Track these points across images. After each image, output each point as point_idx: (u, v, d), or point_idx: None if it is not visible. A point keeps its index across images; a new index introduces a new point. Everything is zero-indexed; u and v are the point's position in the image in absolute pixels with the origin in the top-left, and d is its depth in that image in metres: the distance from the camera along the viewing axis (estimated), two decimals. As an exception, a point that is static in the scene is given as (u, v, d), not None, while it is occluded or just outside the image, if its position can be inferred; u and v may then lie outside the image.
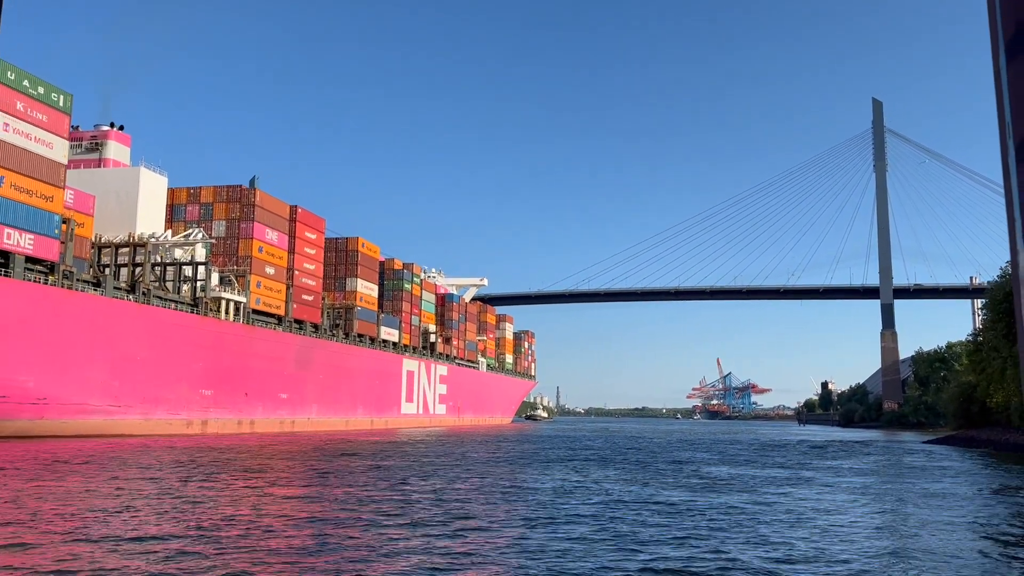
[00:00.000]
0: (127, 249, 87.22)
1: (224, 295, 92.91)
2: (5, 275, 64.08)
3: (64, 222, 70.74)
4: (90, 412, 72.74)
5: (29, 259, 67.18)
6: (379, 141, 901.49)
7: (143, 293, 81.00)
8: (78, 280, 72.72)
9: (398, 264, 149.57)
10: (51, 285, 68.98)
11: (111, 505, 28.28)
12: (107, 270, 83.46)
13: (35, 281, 67.54)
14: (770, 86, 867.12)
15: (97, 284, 76.01)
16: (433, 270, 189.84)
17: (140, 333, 78.59)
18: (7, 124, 64.02)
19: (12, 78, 65.17)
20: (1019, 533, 27.26)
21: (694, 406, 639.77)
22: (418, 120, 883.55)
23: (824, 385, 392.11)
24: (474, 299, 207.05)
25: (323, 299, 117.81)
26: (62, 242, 70.47)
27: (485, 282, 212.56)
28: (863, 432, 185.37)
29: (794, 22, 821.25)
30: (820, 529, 26.89)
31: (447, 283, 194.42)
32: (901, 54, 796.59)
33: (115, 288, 77.76)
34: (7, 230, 64.04)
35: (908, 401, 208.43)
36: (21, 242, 65.12)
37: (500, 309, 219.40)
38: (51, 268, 69.93)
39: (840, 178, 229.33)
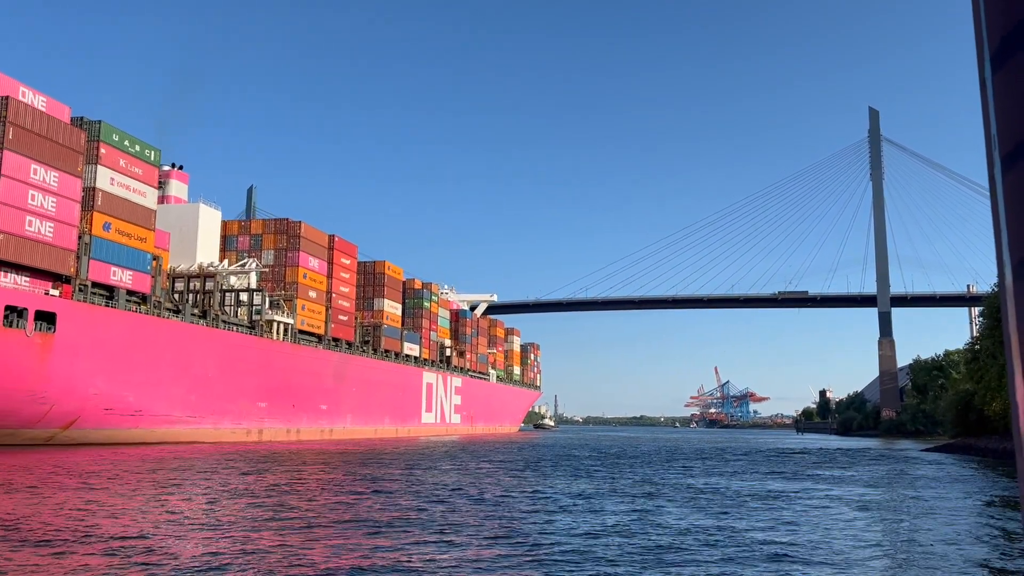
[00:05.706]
0: (195, 277, 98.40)
1: (275, 317, 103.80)
2: (112, 306, 75.03)
3: (154, 259, 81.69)
4: (173, 422, 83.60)
5: (128, 292, 78.27)
6: (386, 157, 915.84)
7: (212, 318, 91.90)
8: (164, 308, 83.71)
9: (418, 284, 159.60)
10: (146, 314, 79.96)
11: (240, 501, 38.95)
12: (179, 297, 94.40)
13: (134, 311, 78.51)
14: (767, 95, 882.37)
15: (177, 311, 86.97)
16: (446, 287, 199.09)
17: (211, 353, 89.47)
18: (113, 179, 75.62)
19: (116, 139, 76.72)
20: (1011, 545, 27.34)
21: (692, 415, 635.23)
22: (425, 135, 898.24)
23: (822, 393, 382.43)
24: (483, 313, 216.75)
25: (356, 318, 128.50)
26: (152, 276, 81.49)
27: (495, 297, 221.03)
28: (861, 440, 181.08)
29: (791, 31, 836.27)
30: (816, 543, 26.35)
31: (459, 299, 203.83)
32: (897, 63, 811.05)
33: (191, 315, 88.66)
34: (113, 268, 75.38)
35: (906, 409, 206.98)
36: (123, 278, 76.56)
37: (507, 323, 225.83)
38: (143, 299, 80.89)
39: (837, 187, 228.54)
